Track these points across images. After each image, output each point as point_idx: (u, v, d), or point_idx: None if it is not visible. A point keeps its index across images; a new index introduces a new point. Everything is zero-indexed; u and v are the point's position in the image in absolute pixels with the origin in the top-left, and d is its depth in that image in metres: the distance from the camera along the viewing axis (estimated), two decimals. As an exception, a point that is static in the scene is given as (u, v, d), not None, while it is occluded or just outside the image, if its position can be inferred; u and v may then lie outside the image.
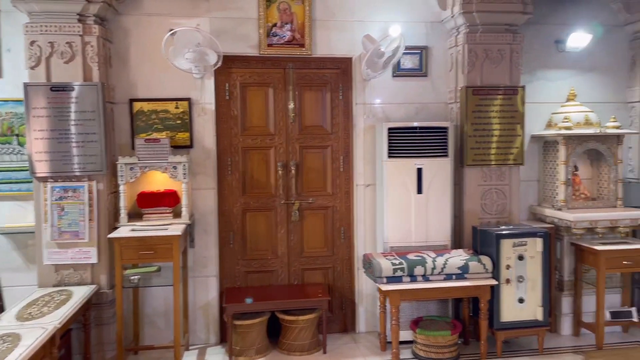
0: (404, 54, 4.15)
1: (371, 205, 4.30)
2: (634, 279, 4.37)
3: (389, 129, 4.02)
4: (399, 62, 4.22)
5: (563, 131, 4.12)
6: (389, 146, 4.03)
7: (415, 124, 4.06)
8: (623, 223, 4.11)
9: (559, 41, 4.45)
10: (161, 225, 3.64)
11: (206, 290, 4.12)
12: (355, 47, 4.19)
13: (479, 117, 4.15)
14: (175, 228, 3.59)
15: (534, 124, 4.45)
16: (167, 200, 3.85)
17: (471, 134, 4.14)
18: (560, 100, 4.46)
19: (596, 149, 4.26)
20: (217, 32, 3.99)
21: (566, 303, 4.31)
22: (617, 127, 4.20)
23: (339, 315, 4.36)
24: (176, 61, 3.77)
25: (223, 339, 4.10)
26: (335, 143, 4.32)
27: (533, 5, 4.10)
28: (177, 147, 3.95)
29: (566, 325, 4.32)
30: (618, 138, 4.26)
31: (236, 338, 3.83)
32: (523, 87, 4.19)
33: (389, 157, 4.04)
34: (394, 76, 4.30)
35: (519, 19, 4.11)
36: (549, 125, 4.42)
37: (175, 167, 3.74)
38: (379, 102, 4.30)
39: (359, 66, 4.20)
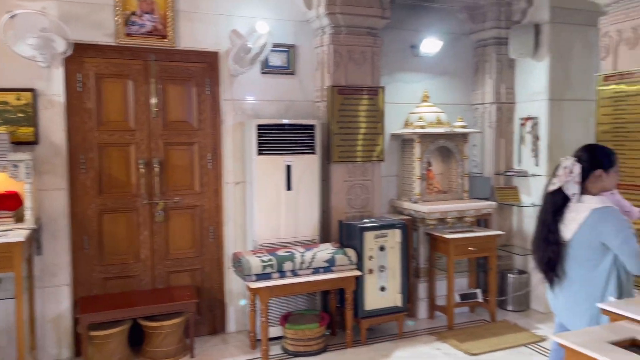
0: (272, 51, 4.15)
1: (241, 203, 4.25)
2: (479, 263, 4.88)
3: (258, 125, 4.00)
4: (267, 59, 4.22)
5: (418, 130, 4.45)
6: (259, 143, 4.01)
7: (284, 122, 4.09)
8: (469, 213, 4.57)
9: (414, 46, 4.80)
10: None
11: (57, 301, 3.73)
12: (222, 42, 4.10)
13: (344, 115, 4.31)
14: (17, 234, 3.20)
15: (394, 123, 4.73)
16: (7, 202, 3.41)
17: (337, 131, 4.28)
18: (416, 101, 4.81)
19: (446, 146, 4.68)
20: (67, 17, 3.63)
21: (422, 288, 4.68)
22: (464, 127, 4.65)
23: (209, 317, 4.24)
24: (17, 47, 3.36)
25: (78, 353, 3.74)
26: (202, 140, 4.18)
27: (391, 11, 4.35)
28: (19, 144, 3.51)
29: (422, 309, 4.69)
30: (464, 136, 4.72)
31: (93, 350, 3.53)
32: (383, 88, 4.43)
33: (259, 154, 4.01)
34: (262, 73, 4.29)
35: (379, 23, 4.34)
36: (406, 124, 4.75)
37: (16, 166, 3.32)
38: (248, 98, 4.25)
39: (226, 61, 4.11)
